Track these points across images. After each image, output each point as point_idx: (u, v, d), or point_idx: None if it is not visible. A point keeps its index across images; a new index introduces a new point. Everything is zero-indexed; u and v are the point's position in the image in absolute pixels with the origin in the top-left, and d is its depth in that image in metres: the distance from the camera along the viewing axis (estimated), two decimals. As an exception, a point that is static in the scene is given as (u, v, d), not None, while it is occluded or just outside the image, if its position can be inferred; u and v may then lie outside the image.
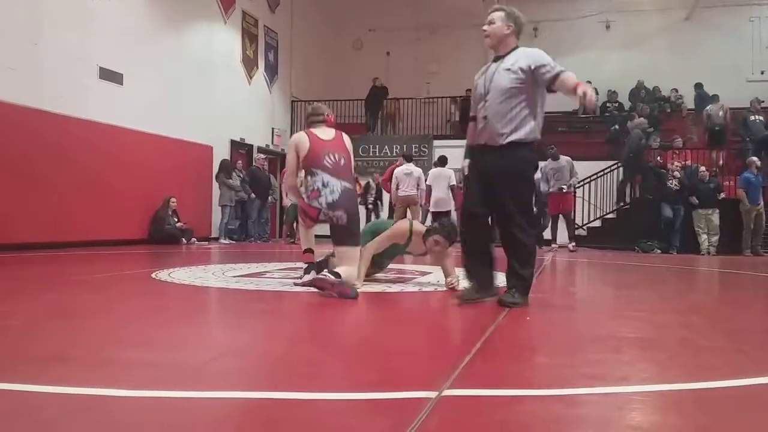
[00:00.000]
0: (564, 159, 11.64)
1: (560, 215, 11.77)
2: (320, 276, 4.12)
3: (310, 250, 4.79)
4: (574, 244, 11.72)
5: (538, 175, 12.30)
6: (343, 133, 4.82)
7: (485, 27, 3.95)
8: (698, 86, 15.63)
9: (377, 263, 5.03)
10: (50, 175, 8.69)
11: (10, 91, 8.15)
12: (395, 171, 10.67)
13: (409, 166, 10.61)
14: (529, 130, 3.77)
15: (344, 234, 4.46)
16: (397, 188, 10.41)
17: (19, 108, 8.28)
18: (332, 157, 4.51)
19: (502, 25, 3.91)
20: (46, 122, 8.67)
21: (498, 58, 3.94)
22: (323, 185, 4.41)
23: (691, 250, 11.76)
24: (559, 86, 3.70)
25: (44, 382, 1.94)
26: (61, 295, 4.28)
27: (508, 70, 3.80)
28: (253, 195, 12.82)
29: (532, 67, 3.76)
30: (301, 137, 4.64)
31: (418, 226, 4.91)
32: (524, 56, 3.85)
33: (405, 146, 14.41)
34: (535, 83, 3.77)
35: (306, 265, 4.79)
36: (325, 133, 4.69)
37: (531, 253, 3.86)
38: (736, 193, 11.95)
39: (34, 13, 8.77)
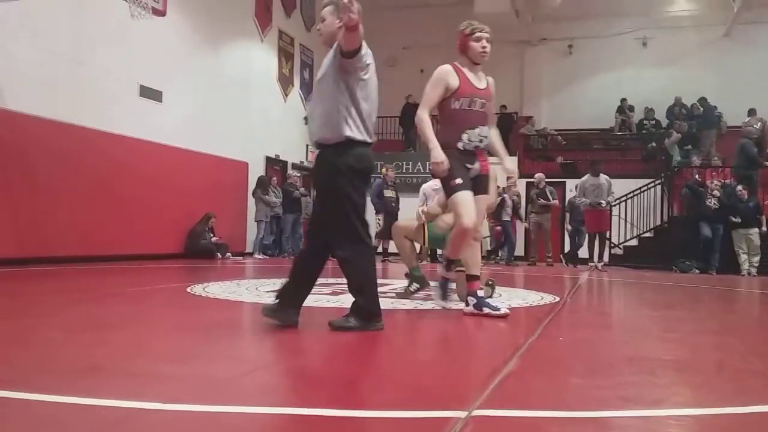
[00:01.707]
0: (603, 177, 11.56)
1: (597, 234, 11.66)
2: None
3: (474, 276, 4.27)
4: (603, 263, 11.56)
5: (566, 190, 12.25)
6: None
7: (318, 26, 3.55)
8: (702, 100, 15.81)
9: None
10: (89, 190, 8.89)
11: (49, 108, 8.38)
12: (423, 187, 10.63)
13: (436, 182, 10.53)
14: (335, 126, 3.35)
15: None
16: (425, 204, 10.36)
17: (61, 125, 8.50)
18: None
19: (333, 19, 3.46)
20: (85, 139, 8.88)
21: None
22: None
23: (731, 270, 11.49)
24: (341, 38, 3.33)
25: (75, 394, 1.97)
26: (98, 307, 4.37)
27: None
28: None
29: (333, 52, 3.39)
30: None
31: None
32: None
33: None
34: (343, 70, 3.37)
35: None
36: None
37: (358, 273, 3.39)
38: (778, 213, 11.68)
39: (77, 32, 9.03)
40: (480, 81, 4.14)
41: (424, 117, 4.02)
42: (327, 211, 3.40)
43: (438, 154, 3.91)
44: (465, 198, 3.99)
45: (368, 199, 3.70)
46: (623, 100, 17.01)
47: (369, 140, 3.44)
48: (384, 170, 13.36)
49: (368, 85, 3.45)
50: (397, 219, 12.82)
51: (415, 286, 5.16)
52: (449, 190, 4.04)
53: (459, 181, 3.99)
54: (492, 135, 4.23)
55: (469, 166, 4.06)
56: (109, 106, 9.50)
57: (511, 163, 4.35)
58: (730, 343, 3.63)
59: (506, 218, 12.87)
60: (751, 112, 14.29)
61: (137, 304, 4.72)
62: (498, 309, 4.03)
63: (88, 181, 8.87)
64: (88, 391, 2.01)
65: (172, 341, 3.12)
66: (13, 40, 8.04)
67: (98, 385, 2.14)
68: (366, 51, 3.43)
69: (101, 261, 8.72)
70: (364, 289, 3.39)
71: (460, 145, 4.03)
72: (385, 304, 4.79)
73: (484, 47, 4.05)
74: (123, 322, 3.70)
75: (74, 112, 8.77)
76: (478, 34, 4.05)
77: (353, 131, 3.36)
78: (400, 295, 5.22)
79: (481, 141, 4.08)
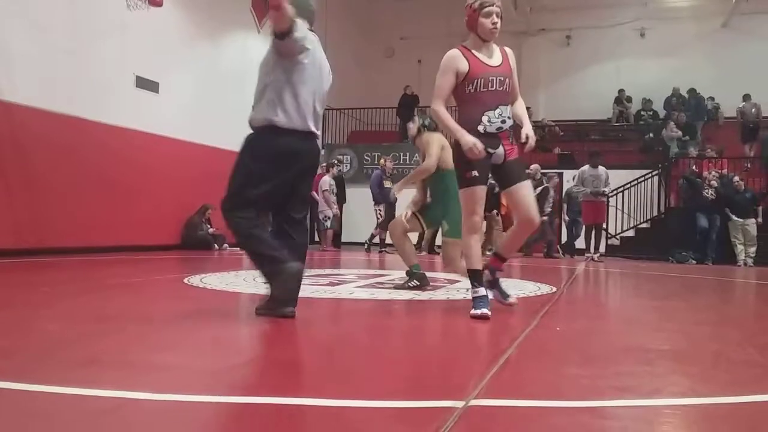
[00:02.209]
0: (602, 168, 11.58)
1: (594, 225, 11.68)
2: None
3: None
4: (599, 254, 11.58)
5: (568, 181, 12.22)
6: None
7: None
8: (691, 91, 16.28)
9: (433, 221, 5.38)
10: (86, 182, 8.86)
11: (46, 99, 8.35)
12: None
13: None
14: (261, 108, 3.41)
15: None
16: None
17: (56, 116, 8.46)
18: None
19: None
20: (82, 129, 8.85)
21: None
22: None
23: (728, 261, 11.52)
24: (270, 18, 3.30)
25: (72, 385, 1.97)
26: (96, 298, 4.37)
27: None
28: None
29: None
30: None
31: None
32: None
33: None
34: (278, 52, 3.40)
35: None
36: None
37: (245, 244, 3.41)
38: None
39: (73, 23, 8.97)
40: (493, 58, 3.81)
41: (439, 109, 3.77)
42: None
43: (466, 140, 3.61)
44: (477, 194, 3.74)
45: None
46: (621, 90, 16.99)
47: (299, 128, 3.36)
48: (382, 161, 13.36)
49: (306, 70, 3.37)
50: (395, 209, 12.88)
51: (414, 283, 5.15)
52: (462, 181, 3.76)
53: (474, 173, 3.70)
54: (516, 107, 3.92)
55: (491, 150, 3.72)
56: (105, 97, 9.45)
57: (530, 128, 3.90)
58: (726, 333, 3.65)
59: (548, 209, 12.29)
60: (746, 98, 14.67)
61: (134, 295, 4.72)
62: (507, 298, 4.03)
63: (85, 173, 8.84)
64: (84, 382, 2.01)
65: (168, 332, 3.12)
66: (9, 31, 7.99)
67: (95, 376, 2.14)
68: (303, 34, 3.34)
69: (98, 252, 8.71)
70: (255, 260, 3.40)
71: (480, 129, 3.69)
72: (382, 294, 4.82)
73: (494, 23, 3.71)
74: (120, 313, 3.70)
75: (71, 103, 8.73)
76: (487, 9, 3.71)
77: (279, 117, 3.33)
78: (397, 287, 5.23)
79: (504, 122, 3.74)
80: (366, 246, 12.88)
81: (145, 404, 1.84)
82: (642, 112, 16.80)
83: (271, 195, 3.40)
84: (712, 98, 16.39)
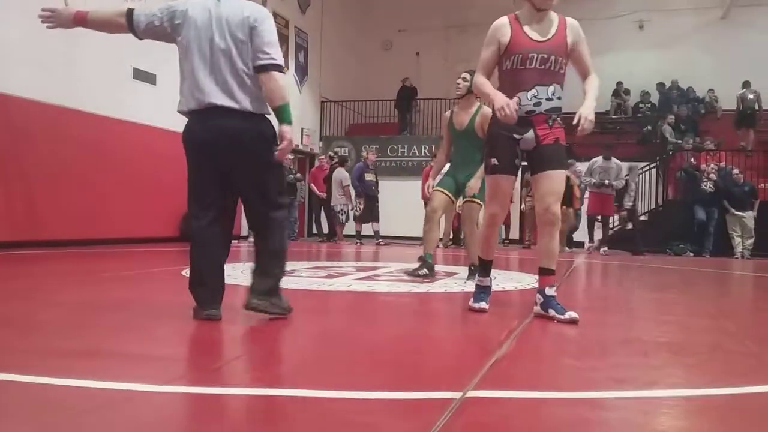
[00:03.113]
0: (614, 161, 11.47)
1: (598, 217, 11.63)
2: None
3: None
4: (606, 249, 11.50)
5: (579, 168, 12.08)
6: None
7: None
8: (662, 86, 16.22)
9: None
10: (84, 174, 8.84)
11: (44, 91, 8.31)
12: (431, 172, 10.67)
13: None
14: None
15: None
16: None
17: (54, 107, 8.43)
18: None
19: None
20: (80, 122, 8.82)
21: None
22: None
23: (725, 253, 11.54)
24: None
25: (72, 376, 1.97)
26: (94, 290, 4.36)
27: None
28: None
29: None
30: None
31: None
32: None
33: (434, 146, 14.38)
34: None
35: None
36: None
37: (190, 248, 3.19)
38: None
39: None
40: (545, 31, 3.43)
41: (479, 79, 3.46)
42: None
43: (500, 98, 3.26)
44: (497, 183, 3.50)
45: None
46: (619, 83, 16.97)
47: (195, 107, 3.03)
48: (365, 153, 13.37)
49: (183, 45, 3.11)
50: (377, 202, 12.95)
51: (424, 271, 5.38)
52: (486, 168, 3.57)
53: (494, 161, 3.46)
54: (586, 83, 3.53)
55: (517, 136, 3.39)
56: (102, 89, 9.43)
57: (587, 108, 3.35)
58: (723, 325, 3.65)
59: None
60: (746, 84, 14.62)
61: (132, 287, 4.72)
62: (564, 313, 3.33)
63: (81, 165, 8.81)
64: (89, 374, 2.01)
65: (169, 324, 3.12)
66: (4, 21, 7.96)
67: (98, 368, 2.14)
68: (150, 20, 3.15)
69: (95, 244, 8.70)
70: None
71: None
72: (380, 286, 4.83)
73: None
74: (118, 305, 3.70)
75: (67, 94, 8.70)
76: None
77: (179, 102, 3.12)
78: (408, 273, 5.46)
79: (538, 104, 3.35)
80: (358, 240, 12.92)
81: (153, 397, 1.84)
82: (640, 105, 16.79)
83: (203, 192, 3.09)
84: (712, 90, 16.38)
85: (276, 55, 3.02)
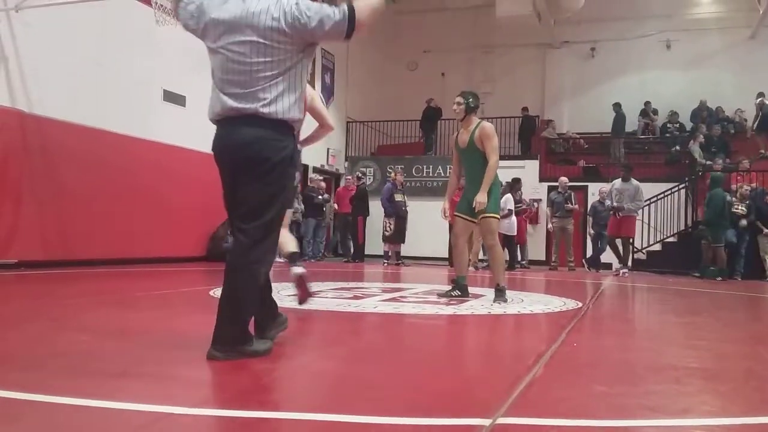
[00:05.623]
0: (634, 182, 11.41)
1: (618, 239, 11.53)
2: None
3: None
4: (626, 271, 11.36)
5: (604, 189, 12.13)
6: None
7: None
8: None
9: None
10: (115, 194, 8.97)
11: (75, 113, 8.49)
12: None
13: None
14: None
15: None
16: None
17: (86, 129, 8.60)
18: None
19: None
20: (112, 143, 8.98)
21: None
22: None
23: (757, 276, 11.31)
24: None
25: (101, 398, 1.98)
26: (124, 310, 4.41)
27: None
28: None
29: None
30: None
31: None
32: None
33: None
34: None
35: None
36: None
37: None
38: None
39: (102, 38, 9.14)
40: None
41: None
42: None
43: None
44: None
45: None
46: (647, 103, 16.83)
47: (220, 115, 2.81)
48: (393, 174, 13.35)
49: (209, 48, 2.99)
50: (406, 222, 12.94)
51: (457, 293, 5.46)
52: None
53: None
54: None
55: None
56: (133, 111, 9.60)
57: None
58: (757, 351, 3.58)
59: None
60: (760, 95, 14.46)
61: (161, 307, 4.76)
62: None
63: (113, 185, 8.96)
64: (117, 395, 2.03)
65: (198, 346, 3.13)
66: (39, 44, 8.16)
67: (127, 389, 2.16)
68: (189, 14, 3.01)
69: (125, 264, 8.81)
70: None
71: None
72: (406, 308, 4.81)
73: None
74: (149, 325, 3.73)
75: (99, 116, 8.87)
76: None
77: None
78: (441, 295, 5.52)
79: None
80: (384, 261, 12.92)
81: (181, 419, 1.85)
82: (668, 125, 16.63)
83: (228, 209, 2.91)
84: (740, 110, 16.18)
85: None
